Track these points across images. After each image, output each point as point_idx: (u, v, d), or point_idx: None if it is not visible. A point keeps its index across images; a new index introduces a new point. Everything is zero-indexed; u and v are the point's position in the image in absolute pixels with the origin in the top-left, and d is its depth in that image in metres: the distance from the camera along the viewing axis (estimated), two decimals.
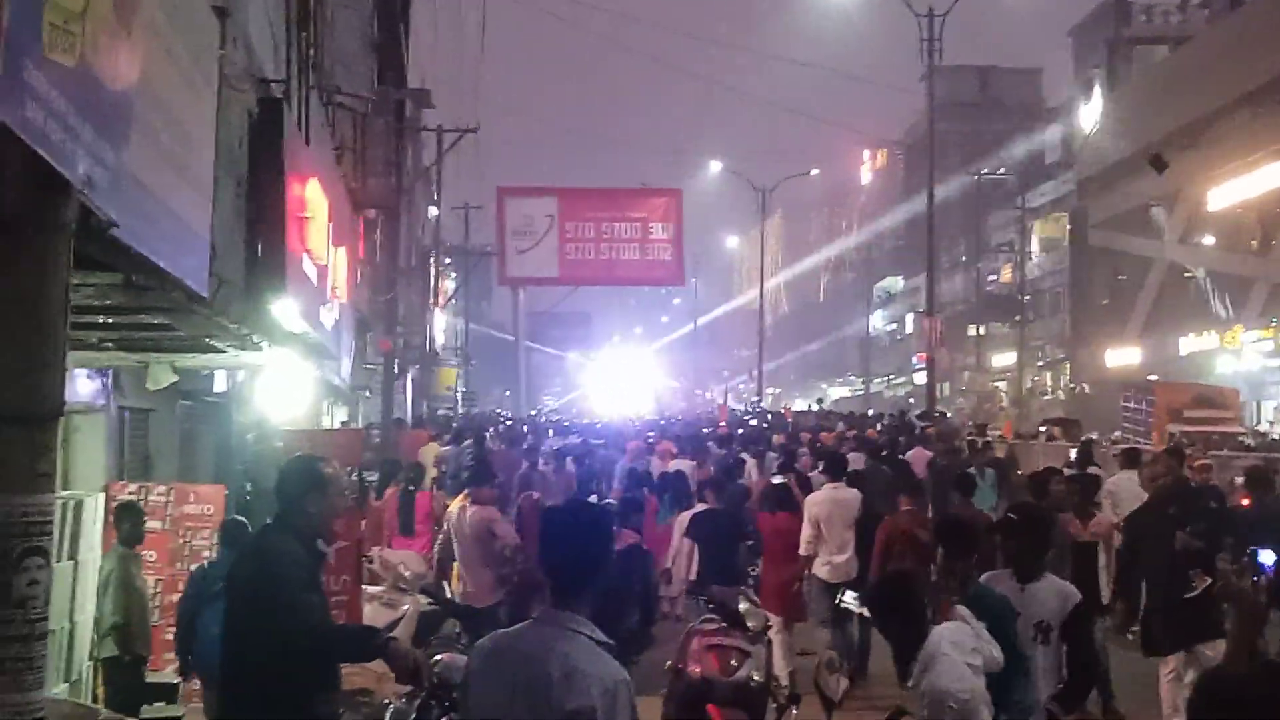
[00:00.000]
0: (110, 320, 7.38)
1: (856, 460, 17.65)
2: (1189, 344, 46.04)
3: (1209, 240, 47.24)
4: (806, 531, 12.33)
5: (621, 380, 71.54)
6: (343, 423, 23.84)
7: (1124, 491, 15.80)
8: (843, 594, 7.21)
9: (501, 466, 16.93)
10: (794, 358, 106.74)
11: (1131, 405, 30.22)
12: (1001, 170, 70.59)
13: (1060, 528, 10.00)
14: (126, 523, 9.40)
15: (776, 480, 14.28)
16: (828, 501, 12.60)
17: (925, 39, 33.40)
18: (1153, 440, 25.49)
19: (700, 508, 12.96)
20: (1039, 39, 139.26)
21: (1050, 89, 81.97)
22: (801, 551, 12.31)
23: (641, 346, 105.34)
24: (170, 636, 10.06)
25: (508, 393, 75.75)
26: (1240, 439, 25.99)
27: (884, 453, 20.20)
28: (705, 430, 29.37)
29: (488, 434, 25.99)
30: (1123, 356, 52.37)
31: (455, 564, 11.84)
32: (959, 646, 5.61)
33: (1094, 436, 28.15)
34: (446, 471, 19.71)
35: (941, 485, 18.04)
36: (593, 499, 13.61)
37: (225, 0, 8.34)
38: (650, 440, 24.16)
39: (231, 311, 8.04)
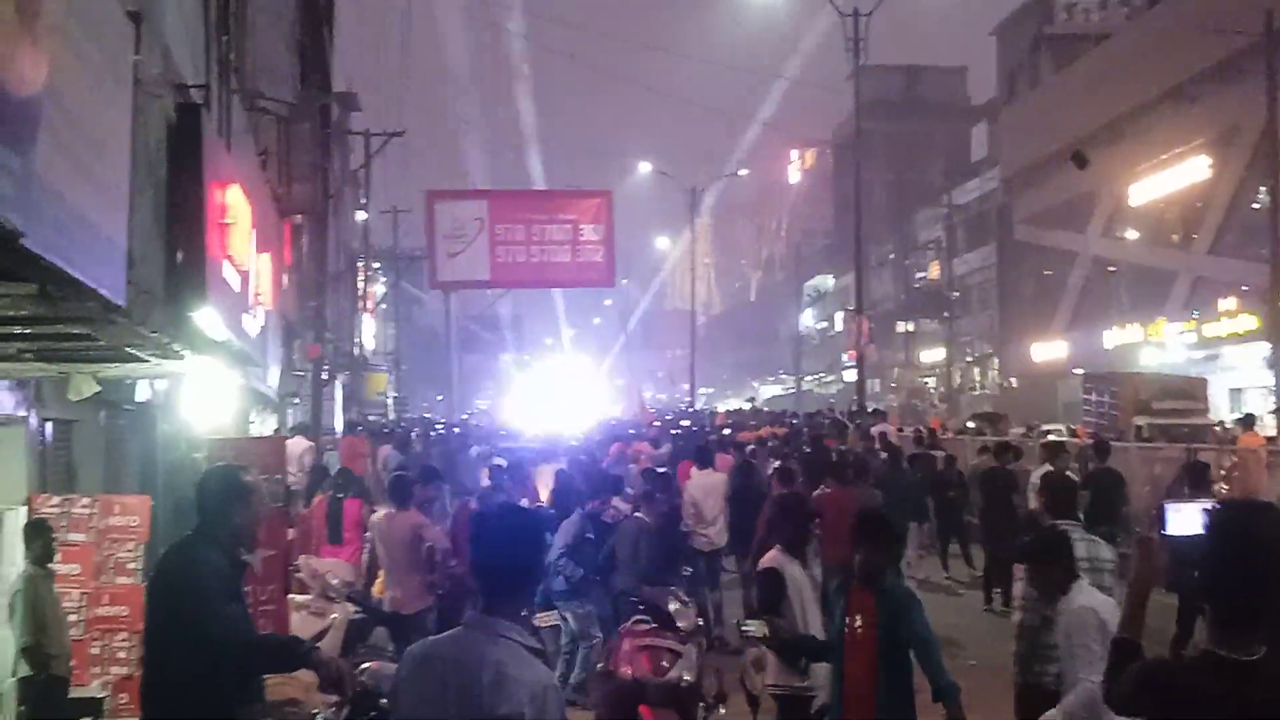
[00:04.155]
0: (28, 331, 7.26)
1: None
2: (1114, 337, 46.56)
3: (1132, 234, 47.82)
4: (686, 510, 14.78)
5: (557, 389, 70.49)
6: (275, 430, 23.60)
7: None
8: (742, 624, 7.50)
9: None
10: (727, 357, 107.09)
11: (1094, 398, 29.25)
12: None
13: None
14: (37, 541, 9.18)
15: (661, 470, 16.04)
16: (699, 485, 15.28)
17: (851, 38, 33.50)
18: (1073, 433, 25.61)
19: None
20: (964, 38, 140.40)
21: (975, 87, 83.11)
22: (683, 527, 14.57)
23: (575, 352, 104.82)
24: (96, 650, 9.87)
25: (440, 397, 75.30)
26: (1212, 430, 25.00)
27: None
28: (632, 432, 29.34)
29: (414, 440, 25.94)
30: (1049, 350, 52.95)
31: (380, 572, 11.78)
32: None
33: (1022, 430, 28.32)
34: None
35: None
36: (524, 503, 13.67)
37: (140, 4, 8.21)
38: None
39: (151, 320, 7.91)
